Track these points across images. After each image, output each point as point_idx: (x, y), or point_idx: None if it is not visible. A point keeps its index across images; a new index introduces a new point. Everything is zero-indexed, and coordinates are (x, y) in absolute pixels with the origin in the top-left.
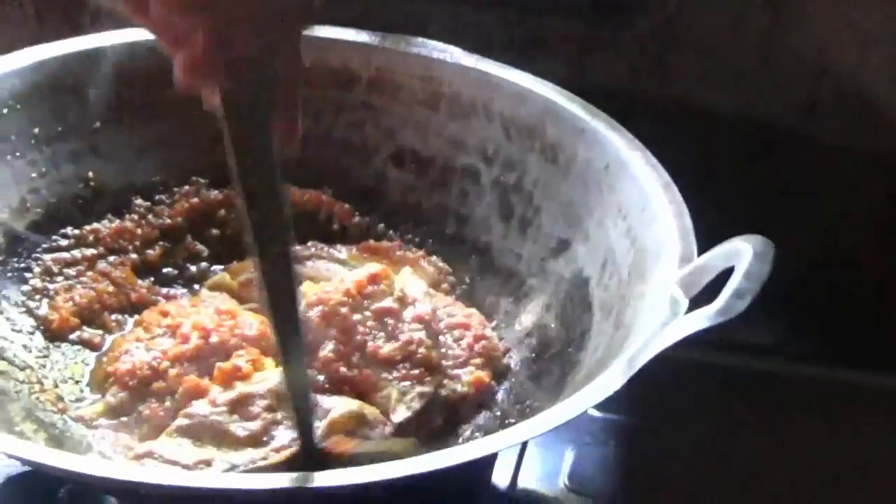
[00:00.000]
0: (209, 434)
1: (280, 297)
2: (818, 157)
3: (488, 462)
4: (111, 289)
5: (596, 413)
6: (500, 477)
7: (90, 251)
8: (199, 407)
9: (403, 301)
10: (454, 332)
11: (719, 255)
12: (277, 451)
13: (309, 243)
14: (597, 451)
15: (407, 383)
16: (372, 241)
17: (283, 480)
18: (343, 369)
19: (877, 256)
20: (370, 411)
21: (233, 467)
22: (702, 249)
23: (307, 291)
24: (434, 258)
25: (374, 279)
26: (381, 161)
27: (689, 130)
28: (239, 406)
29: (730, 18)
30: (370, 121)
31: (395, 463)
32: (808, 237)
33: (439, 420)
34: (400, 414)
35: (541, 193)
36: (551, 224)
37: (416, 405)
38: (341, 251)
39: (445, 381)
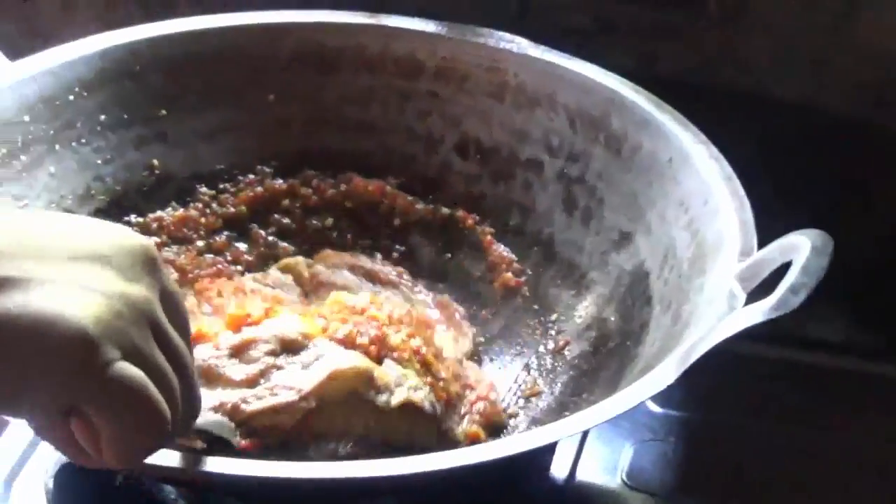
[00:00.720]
0: (205, 378)
1: None
2: (888, 148)
3: (545, 453)
4: (174, 277)
5: (656, 408)
6: (559, 469)
7: (154, 239)
8: (200, 351)
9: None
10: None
11: (778, 249)
12: (272, 391)
13: (393, 273)
14: (656, 447)
15: (429, 388)
16: (446, 297)
17: (312, 470)
18: (387, 331)
19: None
20: (380, 375)
21: (220, 405)
22: (769, 240)
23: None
24: (499, 245)
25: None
26: (446, 151)
27: (758, 119)
28: (241, 350)
29: (800, 4)
30: (436, 110)
31: (454, 452)
32: (877, 231)
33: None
34: (405, 395)
35: (604, 186)
36: (614, 216)
37: (424, 404)
38: (419, 290)
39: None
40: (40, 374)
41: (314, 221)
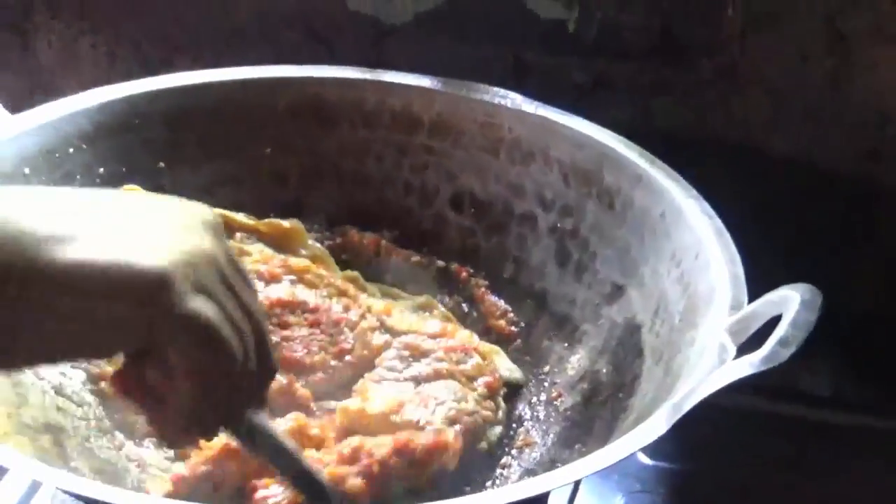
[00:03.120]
0: None
1: None
2: (880, 204)
3: None
4: None
5: (646, 461)
6: None
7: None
8: None
9: None
10: None
11: (768, 303)
12: None
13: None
14: (646, 499)
15: None
16: None
17: None
18: None
19: None
20: None
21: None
22: (761, 293)
23: None
24: (494, 298)
25: None
26: (441, 204)
27: (752, 173)
28: None
29: (794, 62)
30: (431, 164)
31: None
32: (867, 285)
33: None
34: None
35: (597, 239)
36: (606, 270)
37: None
38: None
39: None
40: (119, 312)
41: None
